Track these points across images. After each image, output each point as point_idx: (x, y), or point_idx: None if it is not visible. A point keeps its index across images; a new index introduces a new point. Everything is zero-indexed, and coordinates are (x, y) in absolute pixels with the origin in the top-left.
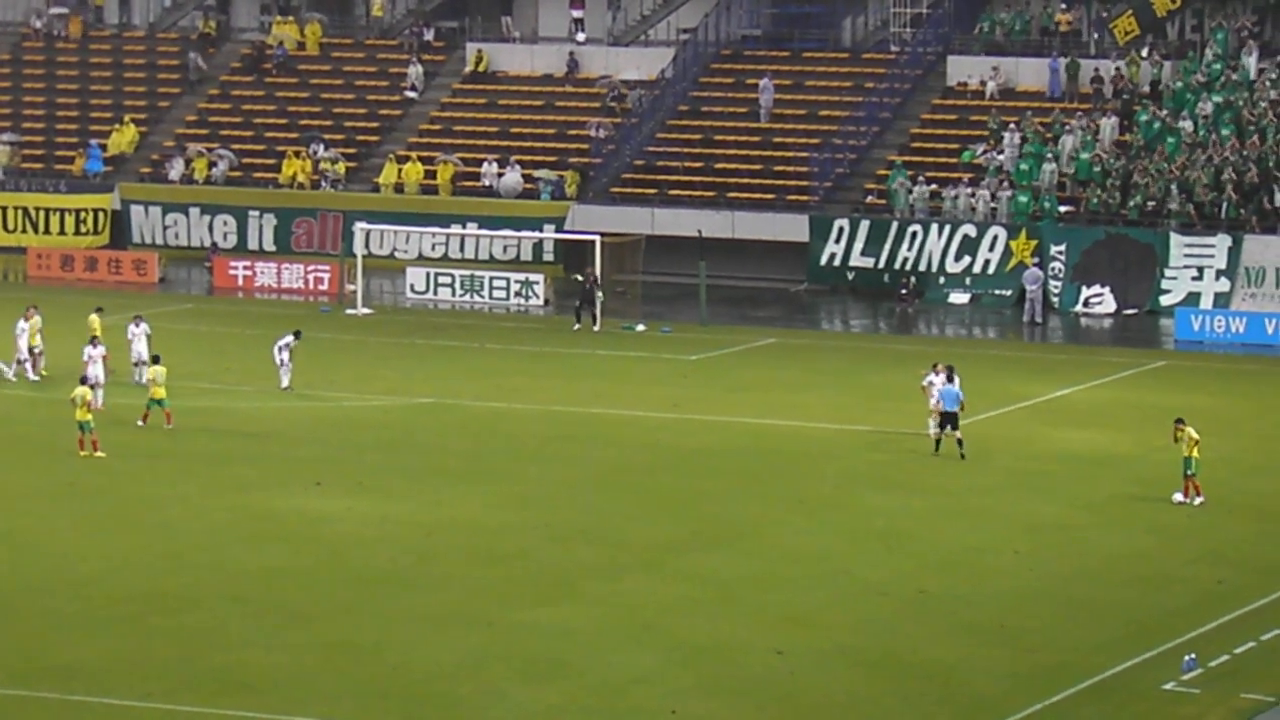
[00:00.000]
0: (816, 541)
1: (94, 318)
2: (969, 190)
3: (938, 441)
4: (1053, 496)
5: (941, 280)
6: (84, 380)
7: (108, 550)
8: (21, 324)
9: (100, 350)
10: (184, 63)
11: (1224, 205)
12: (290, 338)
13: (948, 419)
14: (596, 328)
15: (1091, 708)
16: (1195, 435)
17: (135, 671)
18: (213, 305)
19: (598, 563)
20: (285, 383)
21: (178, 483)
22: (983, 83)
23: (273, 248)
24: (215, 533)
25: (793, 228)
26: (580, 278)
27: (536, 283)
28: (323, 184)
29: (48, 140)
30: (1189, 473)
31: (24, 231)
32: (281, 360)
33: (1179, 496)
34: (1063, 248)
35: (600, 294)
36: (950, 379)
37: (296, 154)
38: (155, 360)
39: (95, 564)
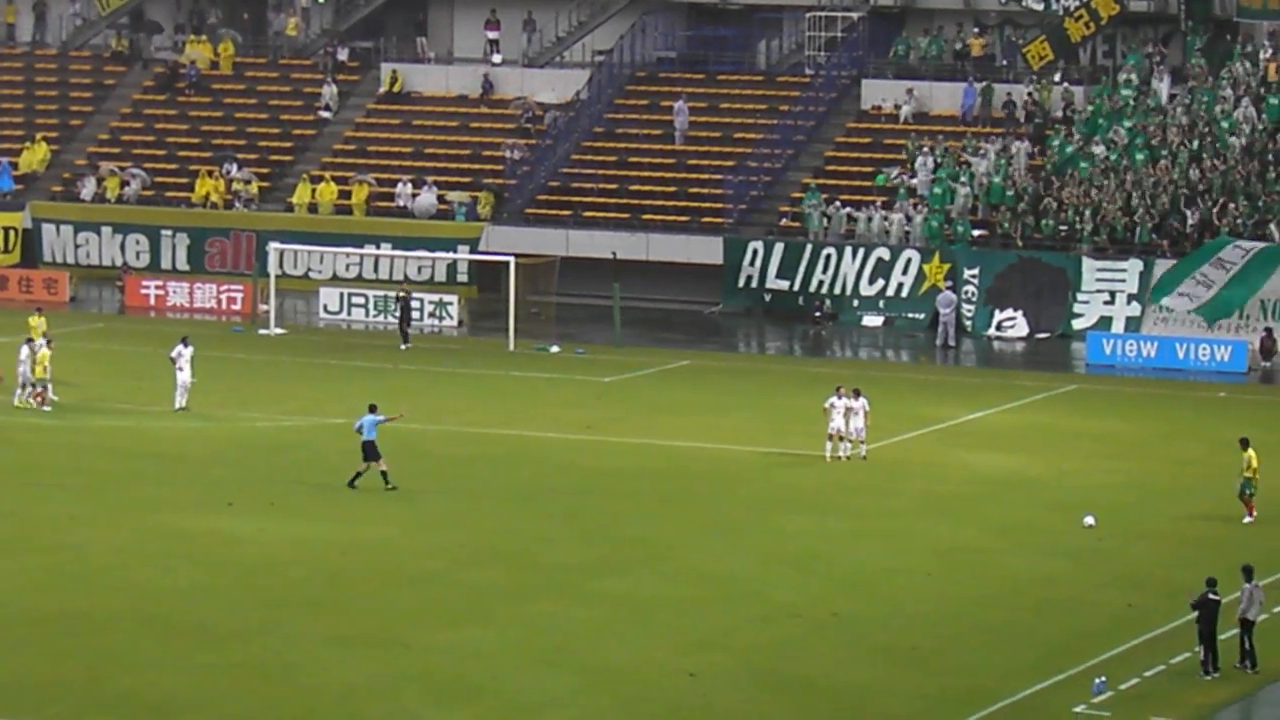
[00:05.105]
0: (729, 564)
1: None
2: (883, 213)
3: (358, 474)
4: (965, 519)
5: (855, 303)
6: None
7: (16, 571)
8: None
9: None
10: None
11: (1136, 230)
12: (181, 346)
13: (368, 450)
14: (404, 346)
15: None
16: (1254, 460)
17: (43, 693)
18: (124, 325)
19: (511, 585)
20: (181, 403)
21: (88, 503)
22: (897, 106)
23: (185, 267)
24: (125, 553)
25: (707, 250)
26: (395, 295)
27: (451, 304)
28: (236, 203)
29: None
30: (1248, 493)
31: None
32: (180, 368)
33: (1090, 520)
34: (976, 271)
35: (411, 310)
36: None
37: (210, 173)
38: None
39: (3, 585)
